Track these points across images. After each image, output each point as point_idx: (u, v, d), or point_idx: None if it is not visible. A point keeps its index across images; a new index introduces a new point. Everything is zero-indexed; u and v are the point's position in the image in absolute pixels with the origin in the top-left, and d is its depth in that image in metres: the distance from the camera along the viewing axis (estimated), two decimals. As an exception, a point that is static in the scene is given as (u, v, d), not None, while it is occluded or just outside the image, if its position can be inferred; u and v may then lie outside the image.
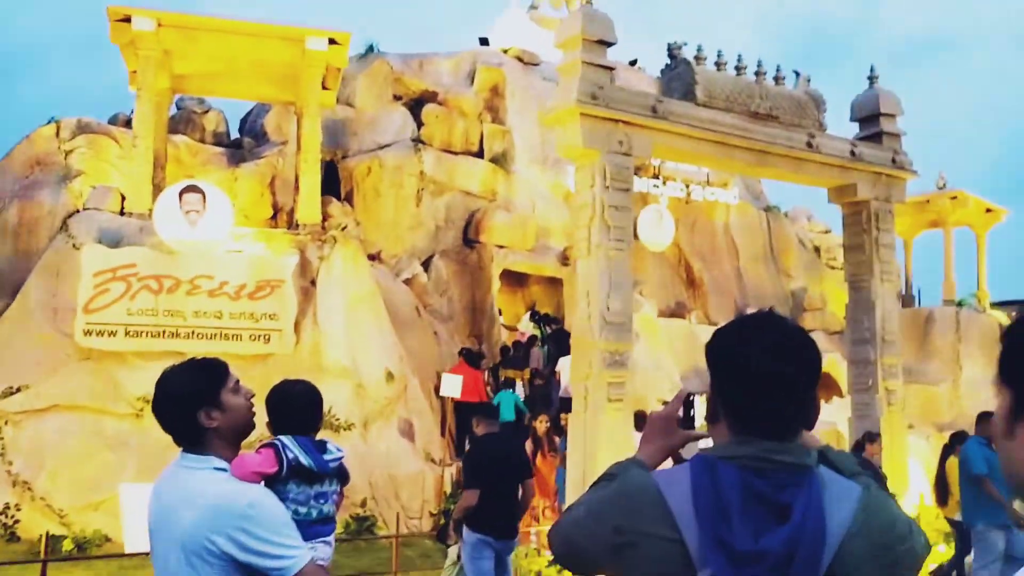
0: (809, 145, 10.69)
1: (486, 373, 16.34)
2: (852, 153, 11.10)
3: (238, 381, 3.09)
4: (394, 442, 13.39)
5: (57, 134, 17.02)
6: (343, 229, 14.20)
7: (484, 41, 22.28)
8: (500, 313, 19.10)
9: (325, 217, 17.91)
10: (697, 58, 10.48)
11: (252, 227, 15.66)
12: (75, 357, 12.18)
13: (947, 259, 22.19)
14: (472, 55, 21.43)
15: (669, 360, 17.87)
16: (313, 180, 14.62)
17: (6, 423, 11.65)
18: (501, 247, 18.59)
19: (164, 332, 12.25)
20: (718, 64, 10.59)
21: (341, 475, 3.37)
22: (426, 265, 18.27)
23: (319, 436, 3.41)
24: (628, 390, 9.21)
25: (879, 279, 11.32)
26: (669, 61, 10.36)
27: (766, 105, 10.45)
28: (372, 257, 18.07)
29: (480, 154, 19.93)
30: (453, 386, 13.56)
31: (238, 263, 12.74)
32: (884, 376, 11.17)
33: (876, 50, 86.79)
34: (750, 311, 21.92)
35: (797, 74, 11.25)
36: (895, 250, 11.59)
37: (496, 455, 7.15)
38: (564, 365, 14.14)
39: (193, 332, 12.37)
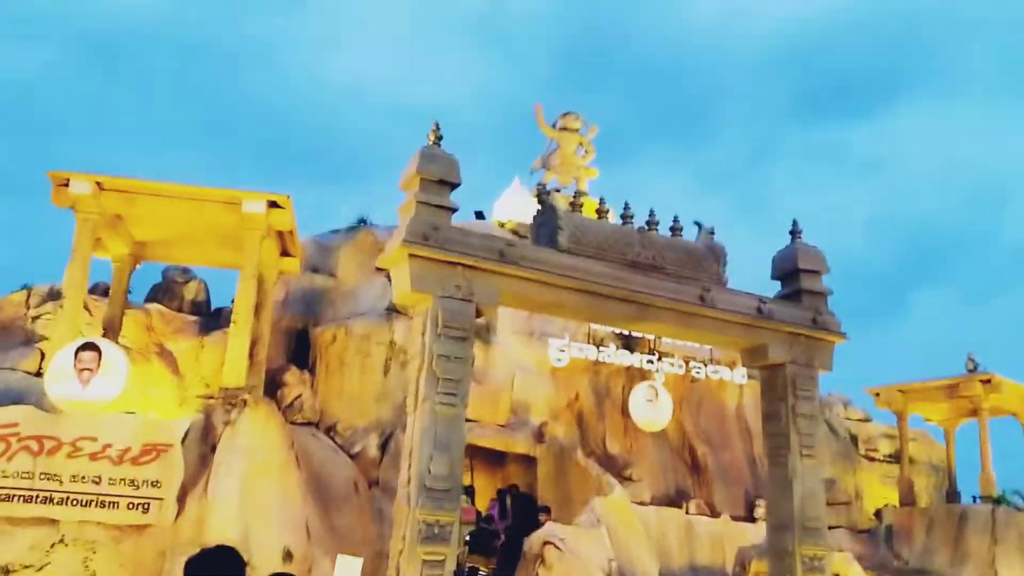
0: (702, 299, 9.61)
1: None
2: (759, 311, 9.93)
3: None
4: (284, 630, 12.00)
5: (27, 301, 17.27)
6: (251, 392, 13.48)
7: (480, 215, 22.18)
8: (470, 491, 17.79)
9: (280, 385, 17.41)
10: (573, 204, 9.75)
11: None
12: (-58, 520, 11.54)
13: (983, 449, 19.89)
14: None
15: (645, 552, 16.04)
16: (240, 343, 14.12)
17: None
18: (469, 420, 17.49)
19: (37, 496, 11.54)
20: (599, 212, 9.82)
21: None
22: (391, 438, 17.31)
23: None
24: (448, 570, 7.89)
25: (797, 454, 9.80)
26: (539, 206, 9.64)
27: (647, 255, 9.51)
28: (328, 429, 17.31)
29: (460, 326, 19.27)
30: (350, 570, 12.23)
31: (125, 425, 12.11)
32: (804, 571, 9.44)
33: (997, 255, 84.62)
34: (762, 503, 19.90)
35: (699, 225, 10.35)
36: (817, 420, 10.09)
37: None
38: None
39: (67, 498, 11.61)
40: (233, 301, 19.77)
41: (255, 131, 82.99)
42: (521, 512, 16.08)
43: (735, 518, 19.28)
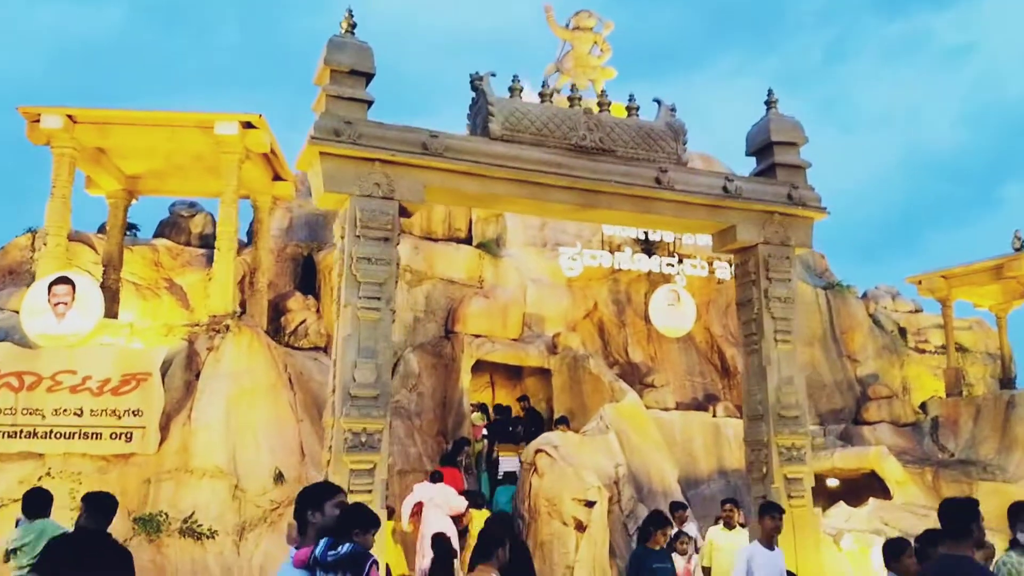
0: (658, 181, 8.87)
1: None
2: (725, 190, 9.15)
3: (341, 500, 4.49)
4: (278, 549, 11.96)
5: (32, 244, 17.33)
6: (240, 316, 13.24)
7: None
8: (485, 409, 17.55)
9: (284, 312, 17.23)
10: (511, 89, 9.03)
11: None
12: (-66, 458, 11.69)
13: (1032, 332, 18.69)
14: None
15: (662, 458, 15.54)
16: (225, 269, 13.87)
17: None
18: (478, 336, 17.14)
19: (21, 432, 11.58)
20: (542, 95, 9.09)
21: (345, 564, 4.21)
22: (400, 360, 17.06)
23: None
24: (379, 477, 7.53)
25: (771, 340, 9.11)
26: (472, 94, 8.95)
27: (594, 137, 8.78)
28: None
29: (469, 239, 18.78)
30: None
31: (103, 357, 12.01)
32: (782, 461, 8.83)
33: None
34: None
35: (659, 103, 9.53)
36: (794, 303, 9.32)
37: None
38: None
39: (51, 431, 11.63)
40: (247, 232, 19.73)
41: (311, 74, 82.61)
42: (532, 424, 15.74)
43: (767, 419, 18.60)
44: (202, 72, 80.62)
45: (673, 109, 9.50)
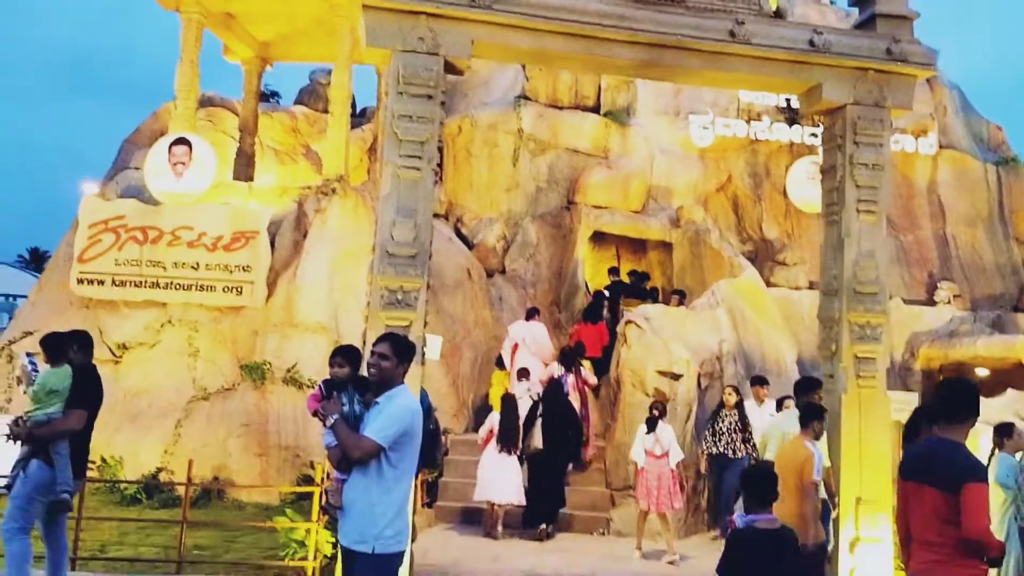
0: (732, 35, 8.14)
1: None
2: (812, 44, 8.29)
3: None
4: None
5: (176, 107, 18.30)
6: (340, 180, 13.55)
7: None
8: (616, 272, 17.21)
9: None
10: (576, -65, 8.42)
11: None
12: (77, 304, 12.91)
13: None
14: None
15: (779, 336, 14.93)
16: (339, 133, 14.19)
17: (10, 362, 12.65)
18: (598, 207, 16.81)
19: (145, 282, 12.57)
20: (611, -60, 8.45)
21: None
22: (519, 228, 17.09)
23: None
24: (415, 335, 7.63)
25: (853, 210, 8.34)
26: (533, -58, 8.43)
27: (663, -16, 8.13)
28: (457, 220, 17.32)
29: (597, 108, 18.21)
30: (432, 348, 12.37)
31: (217, 215, 12.72)
32: (853, 339, 8.25)
33: None
34: (944, 285, 17.78)
35: (746, -54, 8.66)
36: (884, 171, 8.41)
37: None
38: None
39: (171, 283, 12.56)
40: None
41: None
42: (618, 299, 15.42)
43: (910, 302, 17.41)
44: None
45: (763, -46, 8.61)
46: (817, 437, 7.39)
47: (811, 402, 8.11)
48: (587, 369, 12.80)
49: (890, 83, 8.46)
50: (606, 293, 15.63)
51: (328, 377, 5.11)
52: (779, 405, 10.64)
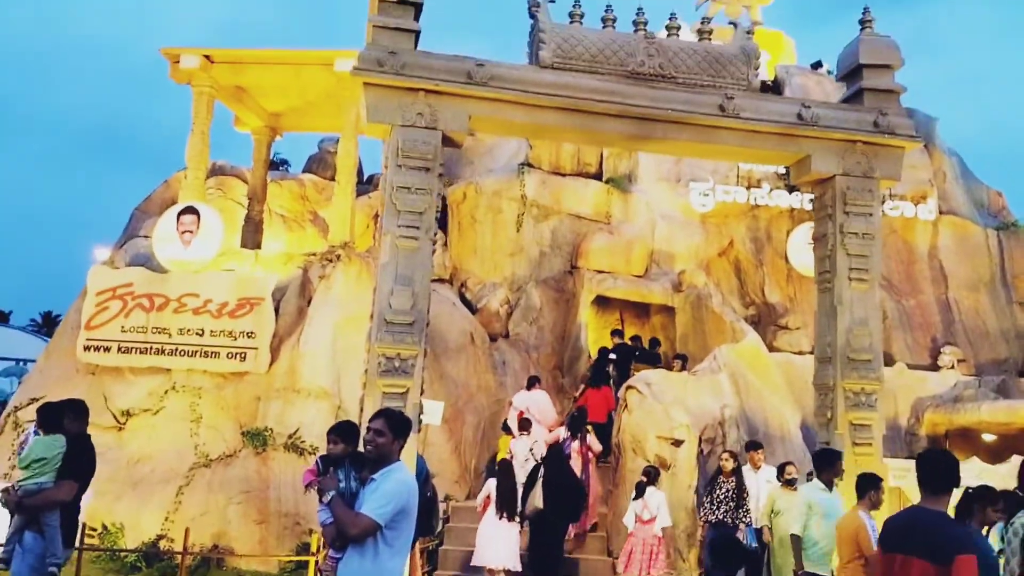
0: (722, 109, 8.40)
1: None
2: (800, 117, 8.54)
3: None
4: (376, 470, 12.56)
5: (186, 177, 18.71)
6: (344, 246, 13.79)
7: (817, 65, 20.57)
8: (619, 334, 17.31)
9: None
10: (571, 15, 8.76)
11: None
12: (83, 371, 13.05)
13: None
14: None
15: (782, 401, 14.92)
16: (344, 201, 14.49)
17: (15, 428, 12.76)
18: (600, 272, 16.99)
19: (151, 348, 12.72)
20: (604, 20, 8.78)
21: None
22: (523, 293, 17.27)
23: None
24: (411, 402, 7.75)
25: (845, 279, 8.50)
26: (531, 21, 8.77)
27: (654, 63, 8.39)
28: (461, 285, 17.50)
29: (599, 175, 18.51)
30: (433, 414, 12.45)
31: (222, 282, 12.92)
32: (848, 406, 8.31)
33: None
34: (948, 350, 17.80)
35: (735, 25, 8.98)
36: (875, 240, 8.56)
37: None
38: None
39: (176, 349, 12.71)
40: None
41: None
42: (624, 362, 15.46)
43: (914, 367, 17.40)
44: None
45: (750, 32, 8.91)
46: (875, 507, 6.99)
47: (868, 473, 7.67)
48: (592, 436, 12.81)
49: (878, 155, 8.67)
50: (612, 356, 15.68)
51: (325, 453, 5.19)
52: (780, 471, 10.59)
